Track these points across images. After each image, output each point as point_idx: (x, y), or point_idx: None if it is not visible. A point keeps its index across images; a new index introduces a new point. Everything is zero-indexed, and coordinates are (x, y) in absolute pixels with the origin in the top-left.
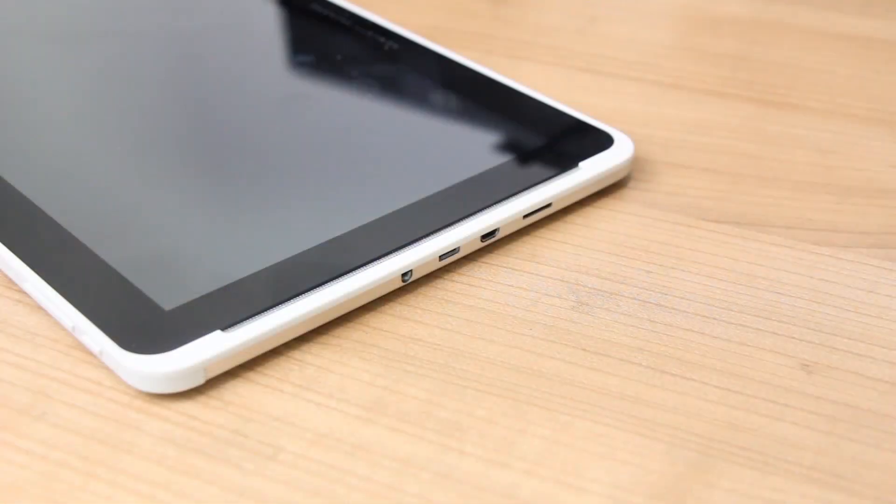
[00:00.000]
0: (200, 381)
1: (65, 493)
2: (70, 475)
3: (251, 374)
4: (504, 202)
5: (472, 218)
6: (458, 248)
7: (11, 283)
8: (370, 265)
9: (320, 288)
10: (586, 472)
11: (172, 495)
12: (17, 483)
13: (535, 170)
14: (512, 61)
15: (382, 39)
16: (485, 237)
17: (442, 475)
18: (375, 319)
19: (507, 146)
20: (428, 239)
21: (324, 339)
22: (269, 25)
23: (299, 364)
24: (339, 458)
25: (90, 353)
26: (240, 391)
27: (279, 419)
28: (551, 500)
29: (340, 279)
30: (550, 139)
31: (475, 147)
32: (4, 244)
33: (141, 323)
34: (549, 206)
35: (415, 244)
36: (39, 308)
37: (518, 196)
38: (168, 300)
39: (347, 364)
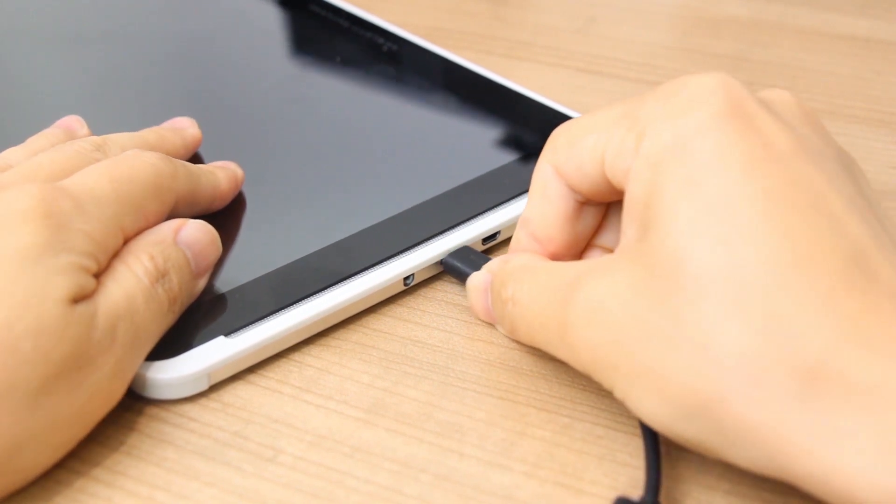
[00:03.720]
0: (204, 386)
1: (65, 496)
2: (70, 477)
3: (251, 376)
4: (505, 204)
5: (473, 221)
6: None
7: None
8: (372, 269)
9: (323, 293)
10: (585, 474)
11: (172, 497)
12: None
13: None
14: (511, 62)
15: (382, 41)
16: (486, 240)
17: (441, 477)
18: (375, 321)
19: (508, 148)
20: (430, 243)
21: (324, 340)
22: (268, 27)
23: (299, 366)
24: (339, 460)
25: None
26: (239, 393)
27: (279, 421)
28: (550, 502)
29: (343, 284)
30: None
31: (476, 150)
32: None
33: None
34: None
35: (416, 248)
36: None
37: (519, 198)
38: None
39: (347, 366)
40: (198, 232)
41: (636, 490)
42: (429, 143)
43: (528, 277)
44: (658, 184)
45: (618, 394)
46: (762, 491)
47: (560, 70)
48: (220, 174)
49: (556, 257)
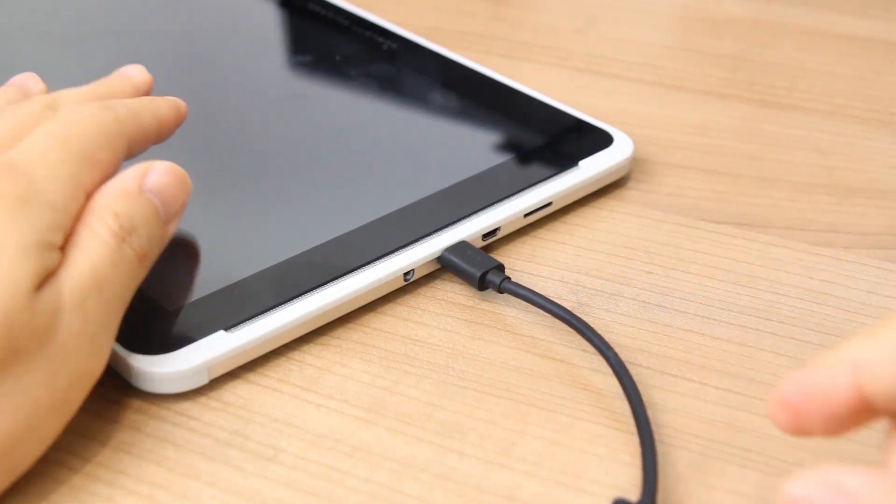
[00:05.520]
0: (204, 381)
1: (65, 494)
2: (70, 476)
3: (251, 375)
4: (505, 201)
5: (473, 217)
6: None
7: None
8: (373, 265)
9: (324, 287)
10: (586, 474)
11: (172, 496)
12: (18, 483)
13: (536, 169)
14: (511, 61)
15: (382, 39)
16: (486, 236)
17: (442, 477)
18: (376, 320)
19: (507, 145)
20: (429, 238)
21: (324, 339)
22: (268, 26)
23: (299, 365)
24: (339, 460)
25: None
26: (240, 392)
27: (279, 420)
28: (551, 501)
29: (343, 278)
30: (550, 138)
31: (475, 146)
32: None
33: (144, 323)
34: (549, 204)
35: (416, 244)
36: None
37: (519, 195)
38: (171, 301)
39: (347, 365)
40: (165, 176)
41: (637, 489)
42: (429, 140)
43: None
44: None
45: None
46: (763, 489)
47: (560, 70)
48: (161, 102)
49: None
